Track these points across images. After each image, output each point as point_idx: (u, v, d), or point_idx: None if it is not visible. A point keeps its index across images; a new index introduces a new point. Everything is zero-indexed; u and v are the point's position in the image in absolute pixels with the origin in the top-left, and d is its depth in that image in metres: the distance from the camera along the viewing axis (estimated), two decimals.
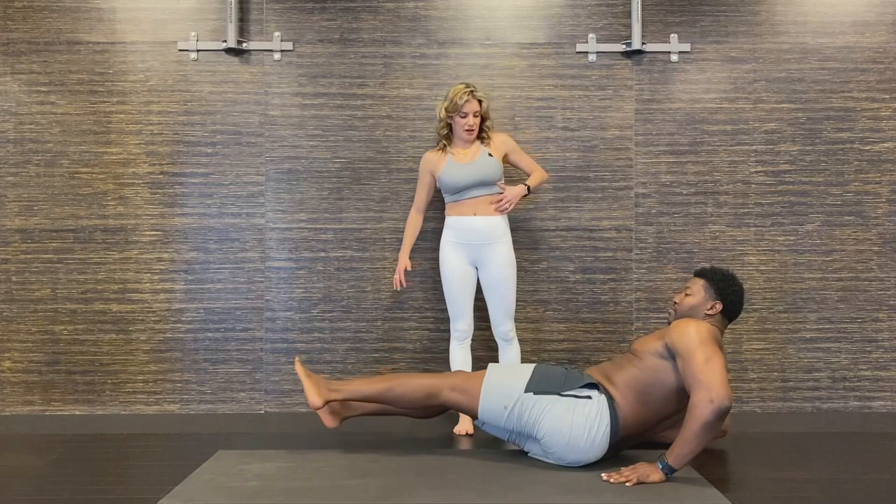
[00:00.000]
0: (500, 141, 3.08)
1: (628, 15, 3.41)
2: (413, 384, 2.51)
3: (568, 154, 3.43)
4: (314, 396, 2.52)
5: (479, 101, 2.98)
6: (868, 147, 3.43)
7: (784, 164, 3.43)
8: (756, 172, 3.43)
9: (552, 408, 2.34)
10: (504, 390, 2.42)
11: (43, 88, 3.39)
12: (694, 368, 2.19)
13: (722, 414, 2.12)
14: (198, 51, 3.40)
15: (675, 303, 2.55)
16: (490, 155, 3.00)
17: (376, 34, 3.43)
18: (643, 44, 3.39)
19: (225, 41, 3.37)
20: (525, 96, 3.43)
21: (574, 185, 3.42)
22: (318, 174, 3.41)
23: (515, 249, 3.37)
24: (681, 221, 3.42)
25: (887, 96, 3.43)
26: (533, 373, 2.44)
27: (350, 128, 3.42)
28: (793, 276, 3.42)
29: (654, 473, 2.19)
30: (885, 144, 3.43)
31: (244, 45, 3.39)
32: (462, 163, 2.99)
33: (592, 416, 2.32)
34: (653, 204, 3.43)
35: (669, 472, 2.19)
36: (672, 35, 3.43)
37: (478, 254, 3.00)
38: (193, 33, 3.40)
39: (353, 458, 2.49)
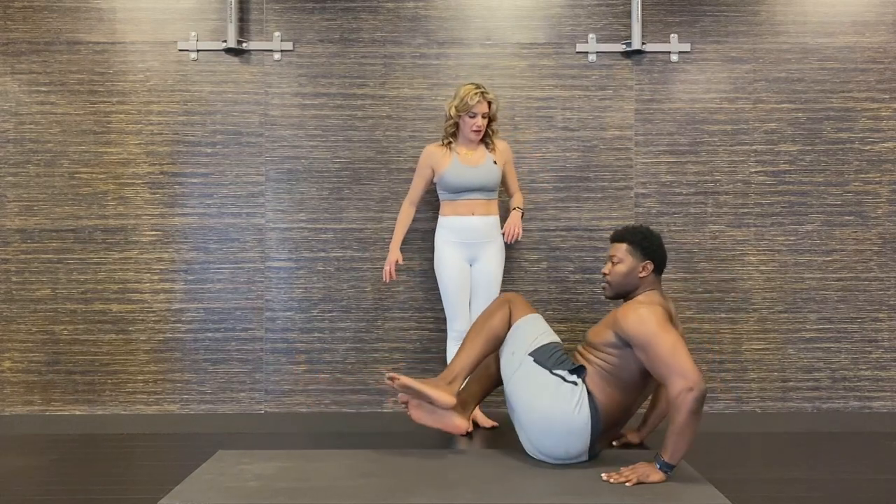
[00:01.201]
0: (504, 149, 3.11)
1: (628, 15, 3.41)
2: (496, 325, 2.51)
3: (568, 154, 3.43)
4: (444, 396, 2.41)
5: (489, 103, 2.99)
6: (868, 147, 3.43)
7: (784, 164, 3.43)
8: (756, 172, 3.43)
9: (538, 381, 2.36)
10: (523, 338, 2.46)
11: (43, 88, 3.39)
12: (663, 360, 2.18)
13: (703, 398, 2.12)
14: (198, 51, 3.40)
15: (606, 274, 2.51)
16: (495, 162, 3.03)
17: (376, 34, 3.43)
18: (643, 44, 3.39)
19: (225, 41, 3.37)
20: (525, 96, 3.43)
21: (574, 185, 3.42)
22: (318, 174, 3.41)
23: (516, 249, 3.38)
24: (681, 221, 3.42)
25: (887, 96, 3.43)
26: (547, 344, 2.45)
27: (350, 128, 3.42)
28: (793, 276, 3.42)
29: (653, 473, 2.18)
30: (885, 144, 3.43)
31: (244, 45, 3.39)
32: (468, 165, 3.00)
33: (573, 404, 2.31)
34: (653, 204, 3.43)
35: (668, 469, 2.18)
36: (672, 35, 3.43)
37: (474, 252, 3.03)
38: (193, 33, 3.40)
39: (353, 458, 2.49)
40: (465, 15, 3.44)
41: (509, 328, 2.54)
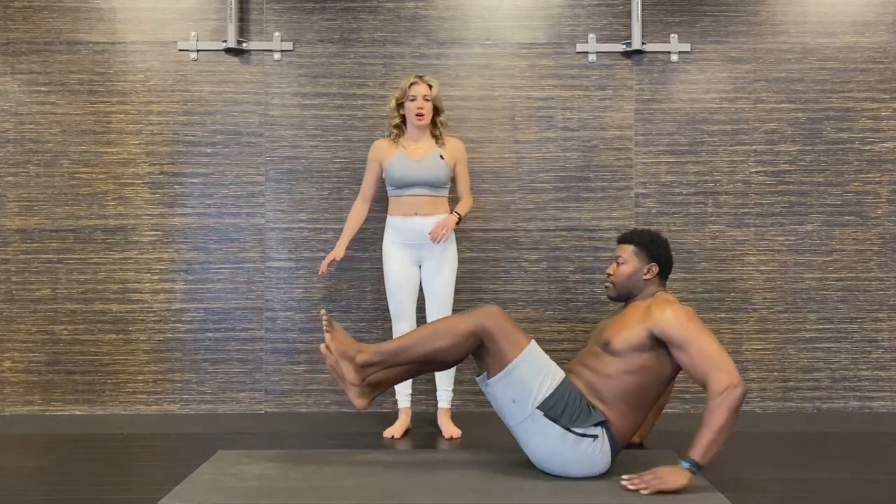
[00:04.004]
0: (456, 148, 3.02)
1: (628, 15, 3.41)
2: (442, 350, 2.25)
3: (568, 154, 3.43)
4: (351, 375, 2.25)
5: (430, 86, 2.94)
6: (868, 147, 3.43)
7: (784, 164, 3.43)
8: (756, 172, 3.43)
9: (554, 440, 2.19)
10: (524, 385, 2.20)
11: (43, 88, 3.39)
12: (707, 356, 2.11)
13: (745, 396, 2.08)
14: (198, 51, 3.40)
15: (610, 275, 2.44)
16: (442, 157, 2.95)
17: (376, 34, 3.43)
18: (643, 44, 3.39)
19: (225, 41, 3.37)
20: (525, 96, 3.43)
21: (574, 185, 3.42)
22: (318, 174, 3.41)
23: (516, 250, 3.38)
24: (681, 221, 3.42)
25: (887, 96, 3.43)
26: (556, 389, 2.21)
27: (350, 128, 3.42)
28: (793, 276, 3.42)
29: (677, 477, 2.07)
30: (885, 144, 3.43)
31: (244, 45, 3.39)
32: (412, 159, 2.94)
33: (596, 455, 2.20)
34: (653, 204, 3.43)
35: (697, 469, 2.07)
36: (672, 35, 3.43)
37: (420, 253, 2.96)
38: (193, 33, 3.40)
39: (353, 458, 2.49)
40: (465, 15, 3.44)
41: (461, 358, 2.30)
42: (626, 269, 2.42)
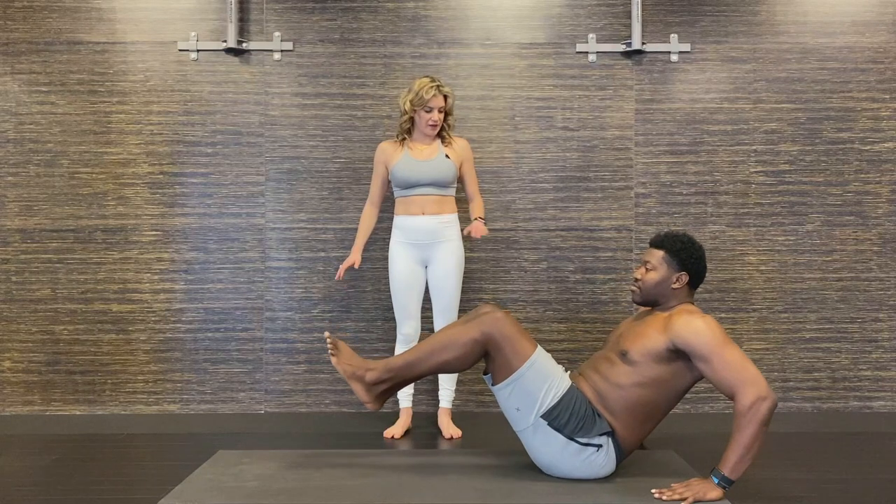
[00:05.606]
0: (461, 147, 3.00)
1: (628, 15, 3.41)
2: (451, 361, 2.21)
3: (568, 154, 3.43)
4: (365, 396, 2.25)
5: (445, 97, 2.92)
6: (868, 147, 3.43)
7: (784, 164, 3.43)
8: (756, 172, 3.43)
9: (557, 448, 2.18)
10: (529, 394, 2.18)
11: (43, 88, 3.39)
12: (733, 369, 2.03)
13: (775, 408, 2.01)
14: (198, 51, 3.40)
15: (638, 279, 2.31)
16: (447, 157, 2.93)
17: (376, 34, 3.43)
18: (643, 44, 3.39)
19: (225, 41, 3.37)
20: (525, 96, 3.43)
21: (574, 185, 3.42)
22: (318, 174, 3.41)
23: (516, 250, 3.38)
24: (681, 221, 3.42)
25: (887, 96, 3.43)
26: (561, 399, 2.18)
27: (350, 128, 3.42)
28: (793, 276, 3.42)
29: (710, 490, 2.02)
30: (885, 144, 3.43)
31: (244, 45, 3.39)
32: (418, 159, 2.92)
33: (599, 464, 2.18)
34: (653, 204, 3.43)
35: (727, 484, 2.02)
36: (672, 35, 3.43)
37: (427, 253, 2.94)
38: (193, 33, 3.40)
39: (353, 458, 2.49)
40: (465, 15, 3.44)
41: (470, 365, 2.25)
42: (653, 276, 2.28)
